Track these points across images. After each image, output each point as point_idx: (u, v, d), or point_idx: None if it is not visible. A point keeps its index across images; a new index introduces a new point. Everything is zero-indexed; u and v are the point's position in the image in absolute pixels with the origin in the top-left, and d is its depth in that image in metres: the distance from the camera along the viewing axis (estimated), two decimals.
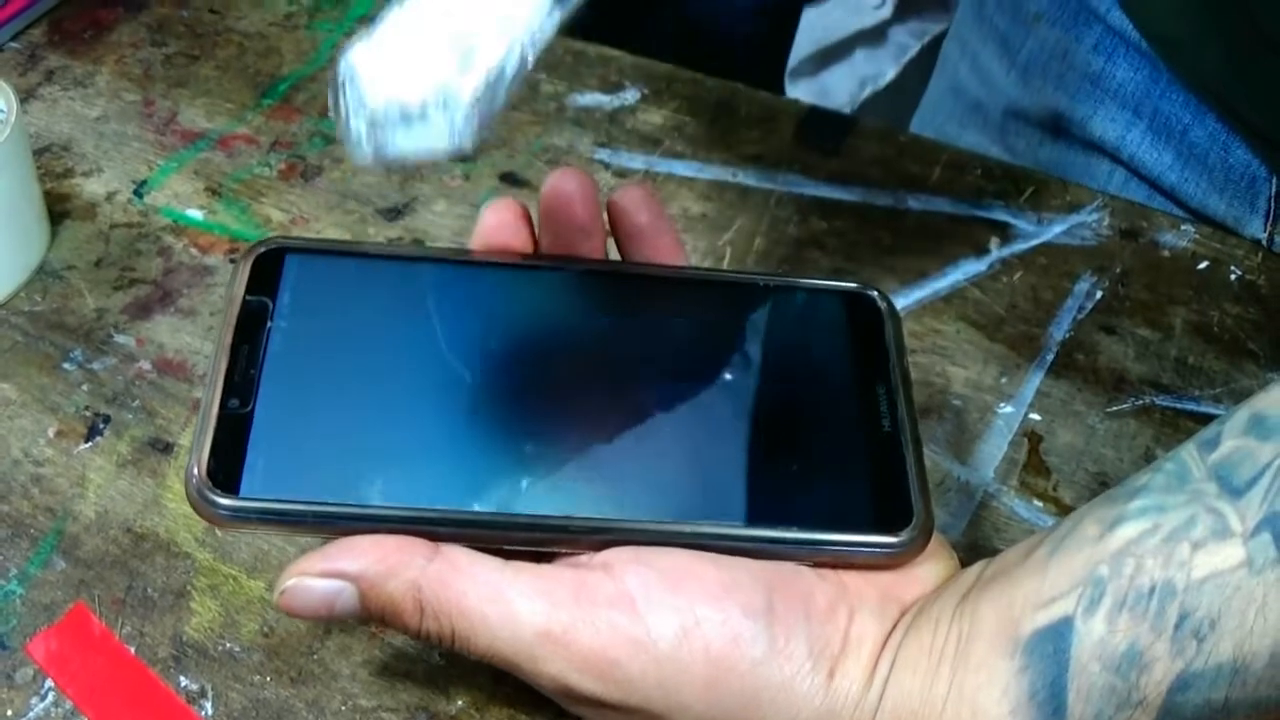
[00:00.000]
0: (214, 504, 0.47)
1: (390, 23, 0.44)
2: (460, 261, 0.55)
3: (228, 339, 0.51)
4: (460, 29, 0.43)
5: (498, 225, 0.54)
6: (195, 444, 0.48)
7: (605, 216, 0.55)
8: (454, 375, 0.51)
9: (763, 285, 0.56)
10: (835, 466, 0.51)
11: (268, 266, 0.53)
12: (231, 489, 0.47)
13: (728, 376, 0.53)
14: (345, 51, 0.43)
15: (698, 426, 0.51)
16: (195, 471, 0.47)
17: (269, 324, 0.51)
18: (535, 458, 0.49)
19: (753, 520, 0.49)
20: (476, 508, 0.48)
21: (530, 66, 0.45)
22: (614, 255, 0.56)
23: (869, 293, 0.56)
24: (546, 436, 0.50)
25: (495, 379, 0.51)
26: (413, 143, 0.43)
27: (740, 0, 1.48)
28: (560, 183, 0.52)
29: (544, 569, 0.47)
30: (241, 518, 0.47)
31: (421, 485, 0.48)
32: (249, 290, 0.52)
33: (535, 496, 0.48)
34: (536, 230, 0.54)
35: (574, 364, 0.52)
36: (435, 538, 0.48)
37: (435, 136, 0.43)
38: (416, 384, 0.51)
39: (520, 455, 0.49)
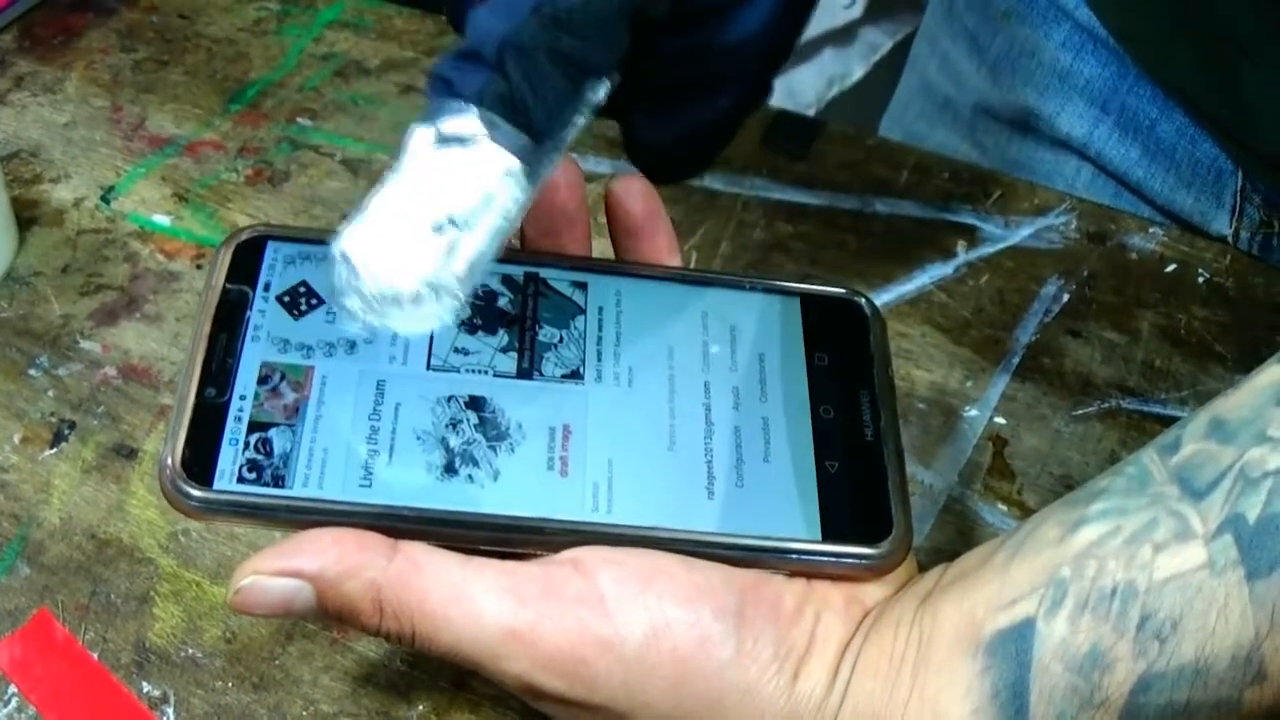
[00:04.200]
0: (186, 495, 0.46)
1: (376, 205, 0.45)
2: None
3: (206, 327, 0.50)
4: (443, 210, 0.44)
5: None
6: (170, 433, 0.47)
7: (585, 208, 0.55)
8: (434, 369, 0.51)
9: (748, 287, 0.55)
10: (814, 475, 0.51)
11: (248, 254, 0.52)
12: (205, 480, 0.46)
13: (706, 378, 0.52)
14: (339, 234, 0.45)
15: (675, 428, 0.51)
16: (169, 461, 0.46)
17: (248, 313, 0.51)
18: (510, 455, 0.49)
19: (726, 526, 0.49)
20: (453, 506, 0.47)
21: (509, 238, 0.47)
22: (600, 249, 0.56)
23: (855, 299, 0.56)
24: (522, 434, 0.49)
25: (474, 374, 0.51)
26: (404, 325, 0.45)
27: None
28: None
29: (508, 565, 0.47)
30: (214, 510, 0.47)
31: (397, 481, 0.48)
32: (229, 279, 0.51)
33: (509, 495, 0.48)
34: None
35: (552, 360, 0.52)
36: (409, 535, 0.47)
37: (425, 319, 0.45)
38: (395, 377, 0.50)
39: (496, 452, 0.49)
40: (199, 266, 0.72)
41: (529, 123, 0.45)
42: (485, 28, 0.45)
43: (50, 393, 0.66)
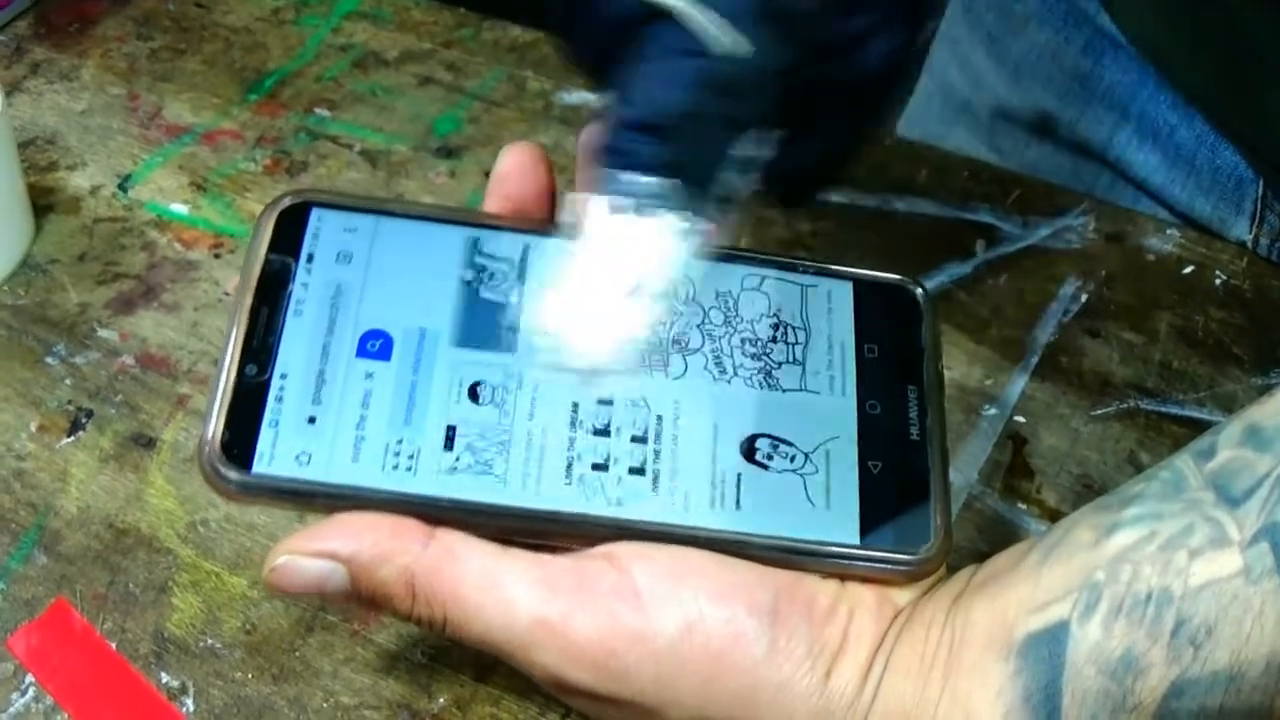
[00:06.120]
0: (225, 478, 0.46)
1: (566, 280, 0.47)
2: (492, 226, 0.53)
3: (247, 300, 0.49)
4: (630, 280, 0.46)
5: (514, 167, 0.53)
6: (209, 412, 0.47)
7: None
8: (483, 348, 0.50)
9: (800, 269, 0.54)
10: (856, 475, 0.50)
11: (291, 222, 0.51)
12: (244, 463, 0.46)
13: (748, 369, 0.51)
14: (538, 307, 0.49)
15: (710, 422, 0.50)
16: (209, 441, 0.46)
17: (291, 286, 0.50)
18: (553, 445, 0.48)
19: (763, 526, 0.48)
20: (490, 497, 0.47)
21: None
22: None
23: (911, 286, 0.54)
24: (566, 422, 0.49)
25: (524, 355, 0.50)
26: (598, 389, 0.49)
27: None
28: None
29: (542, 557, 0.47)
30: (253, 492, 0.47)
31: (441, 469, 0.47)
32: (271, 248, 0.50)
33: (548, 487, 0.48)
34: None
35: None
36: (446, 523, 0.47)
37: (615, 381, 0.49)
38: (442, 355, 0.49)
39: (542, 442, 0.48)
40: (217, 256, 0.72)
41: (701, 186, 0.46)
42: (652, 98, 0.46)
43: (67, 381, 0.66)
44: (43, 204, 0.74)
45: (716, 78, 0.46)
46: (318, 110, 0.80)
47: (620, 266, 0.46)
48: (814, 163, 0.54)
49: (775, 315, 0.53)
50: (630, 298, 0.46)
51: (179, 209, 0.74)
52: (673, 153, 0.46)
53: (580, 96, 0.81)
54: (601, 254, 0.46)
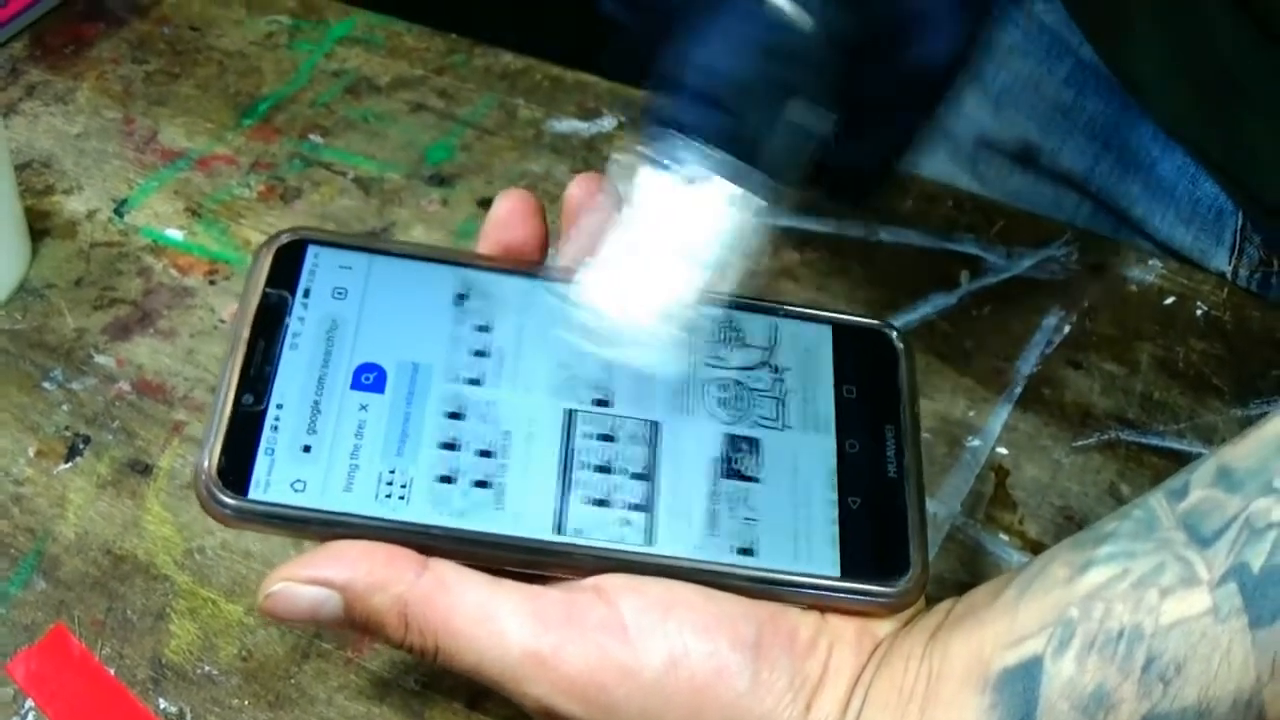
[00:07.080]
0: (220, 503, 0.47)
1: (611, 244, 0.48)
2: (485, 267, 0.54)
3: (245, 332, 0.50)
4: (676, 246, 0.47)
5: (509, 213, 0.54)
6: (206, 439, 0.48)
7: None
8: (473, 384, 0.51)
9: (780, 313, 0.55)
10: (836, 510, 0.51)
11: (288, 258, 0.52)
12: (240, 489, 0.47)
13: (732, 407, 0.53)
14: (583, 270, 0.48)
15: (698, 458, 0.51)
16: (205, 468, 0.47)
17: (287, 319, 0.51)
18: (545, 478, 0.49)
19: (746, 559, 0.49)
20: (483, 526, 0.48)
21: (735, 276, 0.49)
22: None
23: (887, 331, 0.56)
24: (557, 457, 0.50)
25: (512, 390, 0.51)
26: (640, 358, 0.48)
27: None
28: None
29: (533, 589, 0.48)
30: (247, 518, 0.47)
31: (432, 498, 0.48)
32: (269, 283, 0.51)
33: (538, 518, 0.49)
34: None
35: (586, 383, 0.52)
36: (438, 552, 0.48)
37: (659, 352, 0.48)
38: (433, 390, 0.51)
39: (534, 475, 0.49)
40: (212, 283, 0.72)
41: (754, 157, 0.47)
42: (708, 67, 0.47)
43: (64, 406, 0.67)
44: (39, 228, 0.75)
45: (780, 49, 0.47)
46: (311, 136, 0.81)
47: (664, 234, 0.47)
48: (871, 157, 0.55)
49: (757, 357, 0.54)
50: (674, 264, 0.47)
51: (174, 234, 0.75)
52: (729, 122, 0.46)
53: (570, 125, 0.82)
54: (646, 220, 0.47)
